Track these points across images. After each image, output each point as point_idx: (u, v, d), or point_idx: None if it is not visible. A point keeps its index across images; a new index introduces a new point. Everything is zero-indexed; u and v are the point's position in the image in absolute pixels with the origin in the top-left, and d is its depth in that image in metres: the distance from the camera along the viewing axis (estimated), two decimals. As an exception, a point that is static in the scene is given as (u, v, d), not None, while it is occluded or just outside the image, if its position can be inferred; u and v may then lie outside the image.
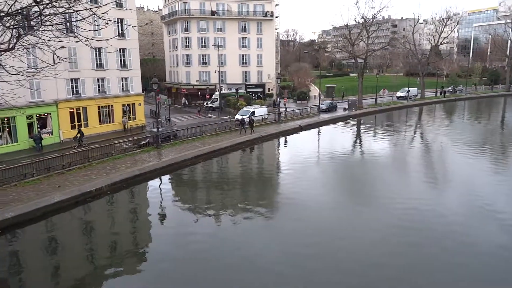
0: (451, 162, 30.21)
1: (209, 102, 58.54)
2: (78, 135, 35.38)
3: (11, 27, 9.64)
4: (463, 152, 32.72)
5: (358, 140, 40.90)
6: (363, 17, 60.50)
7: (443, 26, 76.24)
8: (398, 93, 73.08)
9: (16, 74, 11.68)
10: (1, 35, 10.90)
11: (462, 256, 14.66)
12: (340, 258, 14.56)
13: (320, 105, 55.92)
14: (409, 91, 71.96)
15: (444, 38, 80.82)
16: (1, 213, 17.70)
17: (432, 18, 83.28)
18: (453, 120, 56.78)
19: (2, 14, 9.29)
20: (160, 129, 33.52)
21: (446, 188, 23.57)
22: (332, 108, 55.89)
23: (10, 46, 11.10)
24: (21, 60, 11.42)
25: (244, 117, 42.61)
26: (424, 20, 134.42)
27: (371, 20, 60.91)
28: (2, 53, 11.33)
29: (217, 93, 58.62)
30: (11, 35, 10.76)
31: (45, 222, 18.52)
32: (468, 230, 17.09)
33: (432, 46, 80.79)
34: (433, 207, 19.64)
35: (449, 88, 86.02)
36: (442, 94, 78.51)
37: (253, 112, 45.04)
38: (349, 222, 18.21)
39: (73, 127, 38.56)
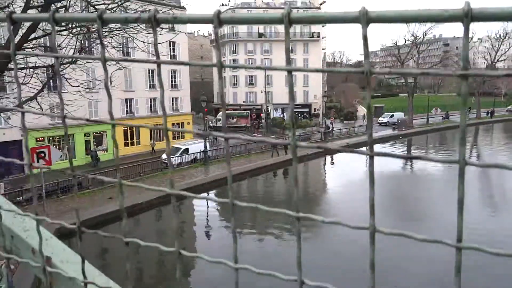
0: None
1: (211, 122, 54.67)
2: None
3: (77, 34, 10.40)
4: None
5: (408, 161, 39.35)
6: (412, 35, 59.28)
7: (500, 43, 72.83)
8: (380, 119, 63.44)
9: (78, 86, 12.47)
10: (65, 49, 11.74)
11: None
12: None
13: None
14: (392, 116, 62.58)
15: (501, 55, 77.01)
16: (59, 221, 18.71)
17: (488, 36, 79.97)
18: (513, 140, 53.28)
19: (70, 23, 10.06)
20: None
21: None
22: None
23: (73, 60, 11.91)
24: (83, 71, 12.20)
25: (172, 157, 35.36)
26: (478, 39, 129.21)
27: (422, 38, 59.54)
28: (67, 66, 12.18)
29: (221, 112, 58.14)
30: (75, 49, 11.58)
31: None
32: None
33: (488, 64, 77.14)
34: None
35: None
36: (489, 115, 73.33)
37: (186, 150, 34.42)
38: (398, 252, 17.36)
39: (126, 144, 40.39)
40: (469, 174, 30.72)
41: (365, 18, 0.49)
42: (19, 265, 13.44)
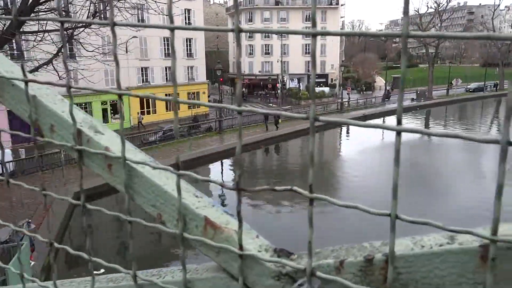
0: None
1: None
2: None
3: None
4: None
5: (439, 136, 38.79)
6: (435, 2, 57.01)
7: (529, 11, 69.48)
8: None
9: (93, 51, 12.48)
10: (79, 13, 11.68)
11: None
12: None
13: None
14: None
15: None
16: (76, 186, 19.30)
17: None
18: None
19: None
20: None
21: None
22: None
23: (86, 24, 11.87)
24: (98, 35, 12.15)
25: None
26: (506, 6, 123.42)
27: (445, 4, 57.23)
28: (81, 30, 12.16)
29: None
30: (88, 12, 11.51)
31: (115, 196, 19.81)
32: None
33: (515, 33, 74.05)
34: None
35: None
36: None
37: None
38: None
39: (142, 113, 40.74)
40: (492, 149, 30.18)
41: None
42: (41, 225, 13.99)
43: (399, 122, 0.48)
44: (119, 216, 0.74)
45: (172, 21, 0.59)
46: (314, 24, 0.51)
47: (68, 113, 0.75)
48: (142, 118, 40.84)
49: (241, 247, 0.62)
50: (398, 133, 0.49)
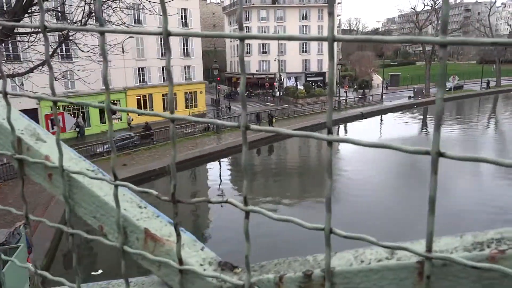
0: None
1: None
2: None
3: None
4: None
5: (424, 129, 38.83)
6: (432, -1, 57.10)
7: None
8: None
9: (88, 51, 12.43)
10: (75, 13, 11.62)
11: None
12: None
13: None
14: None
15: (526, 20, 73.80)
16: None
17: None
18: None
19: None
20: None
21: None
22: None
23: (82, 24, 11.81)
24: (93, 36, 12.09)
25: None
26: (502, 3, 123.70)
27: (441, 2, 57.35)
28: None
29: None
30: (83, 12, 11.46)
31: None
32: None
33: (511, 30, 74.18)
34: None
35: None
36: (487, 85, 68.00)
37: None
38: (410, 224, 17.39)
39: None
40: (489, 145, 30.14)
41: None
42: (38, 226, 13.90)
43: (329, 131, 0.46)
44: (61, 228, 0.71)
45: (101, 24, 0.59)
46: (241, 28, 0.49)
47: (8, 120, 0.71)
48: (132, 120, 39.26)
49: (180, 261, 0.60)
50: (329, 143, 0.47)
